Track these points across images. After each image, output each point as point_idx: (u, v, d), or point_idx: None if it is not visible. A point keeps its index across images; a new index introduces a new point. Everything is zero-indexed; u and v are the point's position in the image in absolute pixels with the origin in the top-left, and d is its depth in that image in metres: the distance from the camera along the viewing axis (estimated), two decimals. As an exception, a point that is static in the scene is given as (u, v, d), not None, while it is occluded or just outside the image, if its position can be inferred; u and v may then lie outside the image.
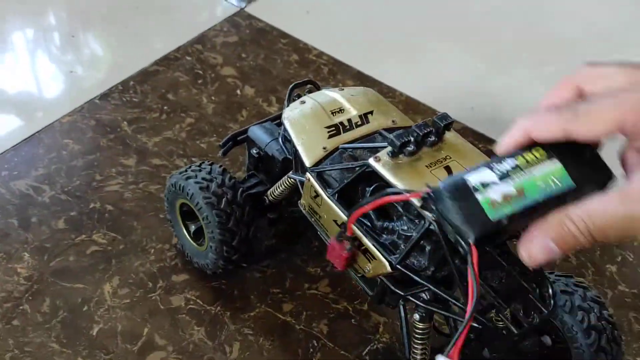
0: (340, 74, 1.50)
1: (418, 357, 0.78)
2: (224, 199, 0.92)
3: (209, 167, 0.96)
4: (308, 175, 0.82)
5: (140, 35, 1.52)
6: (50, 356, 0.91)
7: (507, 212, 0.51)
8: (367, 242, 0.74)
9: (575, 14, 1.80)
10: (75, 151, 1.20)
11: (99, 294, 0.99)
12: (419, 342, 0.78)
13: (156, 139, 1.25)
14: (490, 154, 0.64)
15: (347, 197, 0.79)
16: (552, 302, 0.71)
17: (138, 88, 1.36)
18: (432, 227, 0.66)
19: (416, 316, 0.76)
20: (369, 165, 0.74)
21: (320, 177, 0.82)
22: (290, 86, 0.99)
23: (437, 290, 0.72)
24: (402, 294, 0.76)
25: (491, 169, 0.52)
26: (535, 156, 0.53)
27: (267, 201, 0.98)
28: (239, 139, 1.03)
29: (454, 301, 0.71)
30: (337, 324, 0.99)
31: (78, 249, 1.05)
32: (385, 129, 0.86)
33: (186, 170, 0.96)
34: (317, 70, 1.49)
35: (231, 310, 1.00)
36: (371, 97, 0.93)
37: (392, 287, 0.76)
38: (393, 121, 0.88)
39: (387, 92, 1.47)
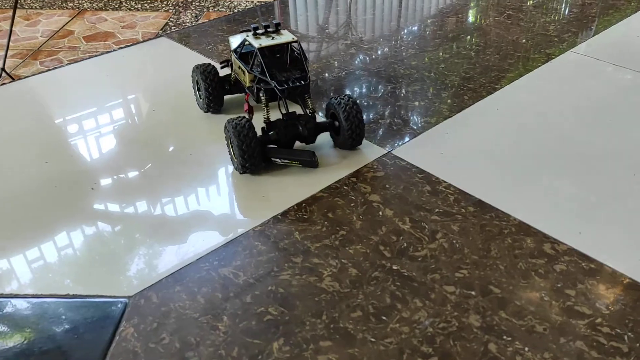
0: (463, 201, 1.85)
1: (265, 115, 2.01)
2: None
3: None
4: (231, 53, 2.17)
5: (310, 171, 2.04)
6: (235, 386, 1.32)
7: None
8: (243, 67, 2.06)
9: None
10: (261, 250, 1.69)
11: (269, 349, 1.40)
12: (264, 107, 2.01)
13: (317, 244, 1.70)
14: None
15: (244, 57, 2.08)
16: (306, 75, 1.94)
17: (308, 208, 1.85)
18: (257, 54, 1.96)
19: (261, 95, 2.00)
20: (246, 39, 2.03)
21: (235, 52, 2.12)
22: (239, 31, 2.35)
23: (260, 76, 1.97)
24: (256, 86, 2.02)
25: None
26: None
27: (231, 81, 2.30)
28: (229, 61, 2.31)
29: (264, 78, 1.95)
30: None
31: (258, 316, 1.48)
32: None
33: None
34: (444, 198, 1.87)
35: (361, 371, 1.33)
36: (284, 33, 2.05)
37: (255, 85, 2.03)
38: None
39: (502, 217, 1.78)
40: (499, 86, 2.50)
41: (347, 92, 2.51)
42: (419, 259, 1.64)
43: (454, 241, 1.69)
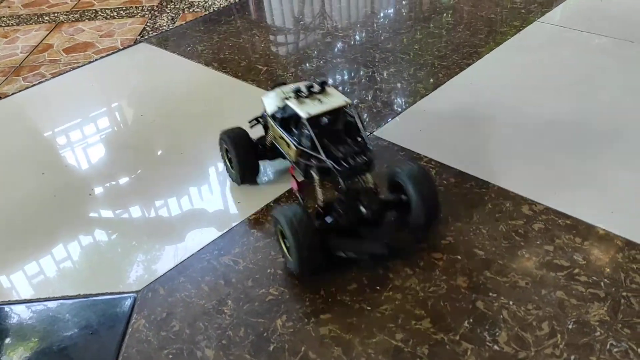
0: (445, 173, 1.95)
1: (320, 197, 1.62)
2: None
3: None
4: (268, 118, 1.79)
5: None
6: (244, 363, 1.41)
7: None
8: (287, 139, 1.67)
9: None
10: (258, 237, 1.78)
11: (273, 326, 1.49)
12: (318, 188, 1.62)
13: (310, 226, 1.79)
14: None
15: (285, 126, 1.72)
16: (370, 158, 1.56)
17: (299, 194, 1.94)
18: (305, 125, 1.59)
19: (313, 174, 1.61)
20: (287, 104, 1.67)
21: (273, 117, 1.76)
22: (272, 85, 1.93)
23: (311, 152, 1.60)
24: (305, 162, 1.64)
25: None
26: None
27: (266, 144, 1.89)
28: (259, 119, 1.92)
29: (316, 155, 1.58)
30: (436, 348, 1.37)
31: (260, 298, 1.58)
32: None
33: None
34: (426, 172, 1.96)
35: (359, 337, 1.43)
36: (308, 82, 1.71)
37: (303, 160, 1.65)
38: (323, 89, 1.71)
39: (482, 185, 1.88)
40: (472, 61, 2.60)
41: (328, 79, 2.59)
42: (406, 231, 1.74)
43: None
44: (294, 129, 1.69)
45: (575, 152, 1.99)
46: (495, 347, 1.38)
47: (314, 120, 1.59)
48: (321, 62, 2.75)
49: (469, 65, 2.58)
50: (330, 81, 2.58)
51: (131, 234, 1.85)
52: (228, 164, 1.99)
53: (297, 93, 1.65)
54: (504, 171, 1.93)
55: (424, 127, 2.21)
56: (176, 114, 2.44)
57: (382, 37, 2.92)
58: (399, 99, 2.41)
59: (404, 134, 2.18)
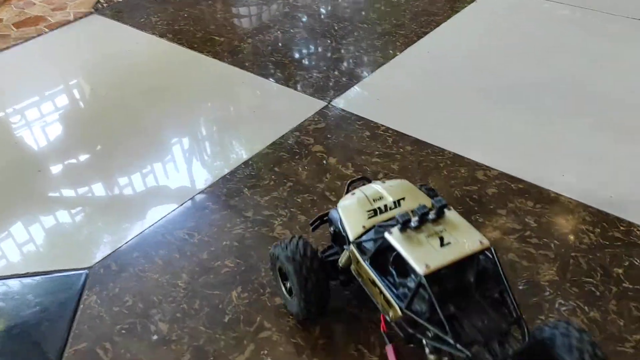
0: (401, 142, 1.95)
1: None
2: (304, 267, 1.25)
3: (297, 241, 1.30)
4: (350, 246, 1.19)
5: (254, 130, 2.10)
6: (199, 334, 1.40)
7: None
8: (386, 293, 1.07)
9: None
10: (214, 209, 1.76)
11: (228, 297, 1.48)
12: None
13: (266, 197, 1.77)
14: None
15: (377, 261, 1.13)
16: (527, 338, 0.98)
17: (255, 165, 1.92)
18: (422, 283, 1.01)
19: (427, 350, 1.03)
20: (385, 238, 1.08)
21: (359, 247, 1.17)
22: (347, 182, 1.40)
23: (427, 325, 1.00)
24: (412, 332, 1.05)
25: None
26: None
27: (339, 266, 1.30)
28: (324, 219, 1.37)
29: (440, 333, 0.99)
30: None
31: (215, 270, 1.56)
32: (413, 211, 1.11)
33: (280, 244, 1.31)
34: (383, 141, 1.96)
35: (315, 305, 1.43)
36: (405, 186, 1.27)
37: (409, 329, 1.05)
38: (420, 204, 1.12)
39: (438, 152, 1.89)
40: (429, 29, 2.59)
41: (283, 48, 2.55)
42: (363, 200, 1.73)
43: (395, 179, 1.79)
44: (392, 270, 1.12)
45: (530, 118, 2.01)
46: (448, 309, 1.40)
47: (434, 275, 1.02)
48: (279, 32, 2.71)
49: (426, 33, 2.57)
50: (296, 55, 2.54)
51: (83, 210, 1.80)
52: (284, 291, 1.40)
53: (405, 223, 1.07)
54: (460, 138, 1.94)
55: (382, 96, 2.20)
56: (129, 87, 2.38)
57: (340, 7, 2.88)
58: (357, 69, 2.38)
59: (361, 103, 2.16)
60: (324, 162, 1.90)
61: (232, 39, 2.66)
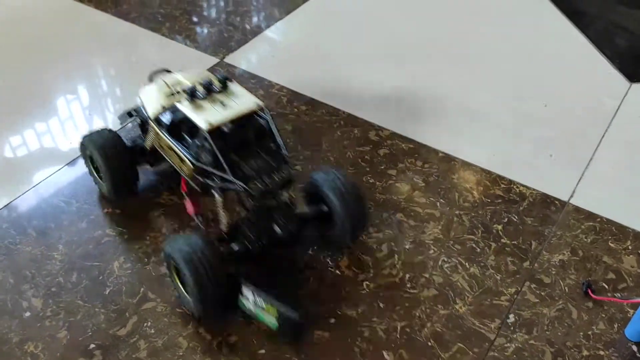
0: (296, 101, 1.91)
1: (224, 221, 1.31)
2: (110, 156, 1.42)
3: (107, 133, 1.46)
4: (150, 122, 1.38)
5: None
6: (77, 309, 1.32)
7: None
8: (180, 153, 1.31)
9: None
10: (94, 175, 1.64)
11: (109, 268, 1.40)
12: (222, 211, 1.29)
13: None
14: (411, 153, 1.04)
15: (175, 132, 1.35)
16: (290, 173, 1.26)
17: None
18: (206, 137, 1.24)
19: (215, 195, 1.28)
20: (176, 107, 1.31)
21: (158, 122, 1.38)
22: (149, 74, 1.53)
23: (213, 171, 1.25)
24: (203, 181, 1.28)
25: None
26: None
27: (147, 148, 1.47)
28: (131, 113, 1.57)
29: (222, 175, 1.24)
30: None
31: (95, 240, 1.47)
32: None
33: (90, 134, 1.47)
34: (278, 100, 1.91)
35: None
36: (204, 74, 1.42)
37: (202, 179, 1.29)
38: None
39: (332, 112, 1.86)
40: (328, -16, 2.53)
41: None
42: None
43: (288, 139, 1.75)
44: (186, 136, 1.33)
45: (422, 77, 2.03)
46: (337, 271, 1.40)
47: (216, 131, 1.25)
48: (170, -18, 2.53)
49: (325, -12, 2.50)
50: (187, 7, 2.38)
51: (-57, 178, 1.62)
52: (95, 174, 1.54)
53: (192, 94, 1.30)
54: (354, 98, 1.92)
55: (277, 52, 2.13)
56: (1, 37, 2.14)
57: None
58: (251, 22, 2.29)
59: (255, 60, 2.08)
60: (215, 122, 1.82)
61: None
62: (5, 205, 1.54)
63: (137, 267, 1.40)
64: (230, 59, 2.08)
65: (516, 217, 1.55)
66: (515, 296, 1.36)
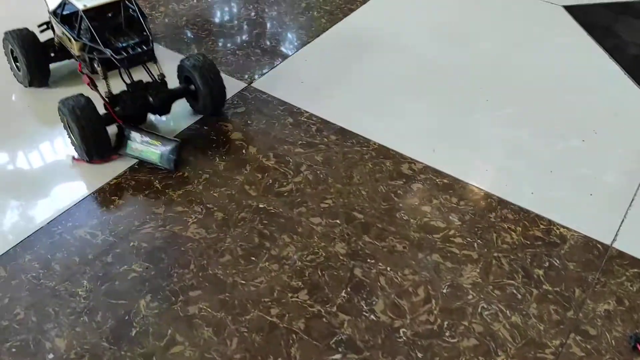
0: (325, 130, 1.85)
1: (105, 88, 1.70)
2: (24, 47, 1.87)
3: (25, 34, 1.89)
4: (50, 15, 1.84)
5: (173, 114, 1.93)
6: (102, 352, 1.26)
7: None
8: (68, 34, 1.72)
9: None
10: (119, 205, 1.59)
11: (136, 307, 1.35)
12: (103, 80, 1.70)
13: (179, 191, 1.63)
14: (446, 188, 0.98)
15: (71, 24, 1.75)
16: (150, 44, 1.65)
17: (166, 154, 1.76)
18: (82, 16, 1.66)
19: (96, 67, 1.69)
20: (68, 1, 1.73)
21: (55, 14, 1.79)
22: None
23: (91, 44, 1.65)
24: (87, 56, 1.70)
25: None
26: None
27: (56, 45, 1.92)
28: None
29: (98, 47, 1.64)
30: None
31: (121, 275, 1.41)
32: None
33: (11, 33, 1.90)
34: (306, 129, 1.85)
35: (232, 315, 1.33)
36: None
37: (87, 54, 1.70)
38: None
39: (363, 142, 1.81)
40: (355, 7, 2.48)
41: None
42: (285, 194, 1.63)
43: (318, 172, 1.70)
44: (76, 25, 1.71)
45: (455, 106, 1.97)
46: (372, 316, 1.34)
47: (91, 12, 1.65)
48: (195, 0, 2.50)
49: (352, 10, 2.45)
50: (214, 29, 2.34)
51: (-35, 205, 1.58)
52: (13, 63, 1.98)
53: None
54: (385, 128, 1.87)
55: (306, 79, 2.08)
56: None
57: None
58: (279, 46, 2.24)
59: (284, 86, 2.03)
60: (243, 151, 1.77)
61: (142, 6, 2.42)
62: (27, 237, 1.49)
63: (164, 306, 1.35)
64: (258, 84, 2.03)
65: (557, 261, 1.49)
66: (561, 349, 1.30)
